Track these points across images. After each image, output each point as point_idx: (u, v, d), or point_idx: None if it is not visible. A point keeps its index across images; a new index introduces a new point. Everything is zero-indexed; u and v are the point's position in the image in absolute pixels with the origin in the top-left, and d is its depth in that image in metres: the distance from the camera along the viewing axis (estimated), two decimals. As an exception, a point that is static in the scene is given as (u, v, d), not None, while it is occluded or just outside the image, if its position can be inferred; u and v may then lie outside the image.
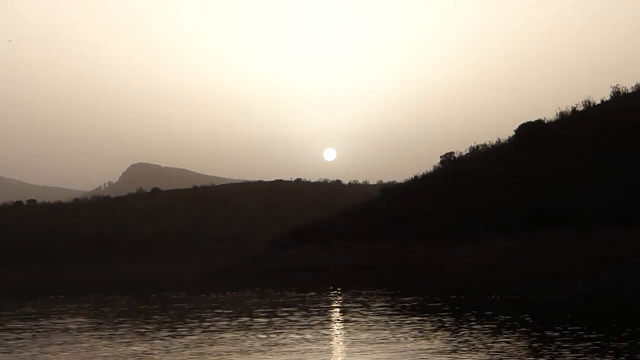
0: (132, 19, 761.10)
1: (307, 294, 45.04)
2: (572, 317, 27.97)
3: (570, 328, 24.13)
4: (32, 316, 38.15)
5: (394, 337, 23.65)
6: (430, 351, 20.55)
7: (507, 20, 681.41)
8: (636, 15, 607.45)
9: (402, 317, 29.43)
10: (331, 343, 23.75)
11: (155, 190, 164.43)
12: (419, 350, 20.88)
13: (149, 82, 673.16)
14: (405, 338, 23.26)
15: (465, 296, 39.63)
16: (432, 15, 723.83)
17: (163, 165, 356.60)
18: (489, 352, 19.91)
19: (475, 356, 19.45)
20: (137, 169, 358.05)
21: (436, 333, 24.41)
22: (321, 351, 21.70)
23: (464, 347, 21.15)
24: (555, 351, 19.55)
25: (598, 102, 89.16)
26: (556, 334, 22.93)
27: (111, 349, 23.84)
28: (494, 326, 25.40)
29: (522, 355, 19.34)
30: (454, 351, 20.47)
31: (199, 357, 21.13)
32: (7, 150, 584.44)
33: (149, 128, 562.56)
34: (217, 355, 21.37)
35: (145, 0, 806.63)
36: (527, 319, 27.69)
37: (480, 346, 20.99)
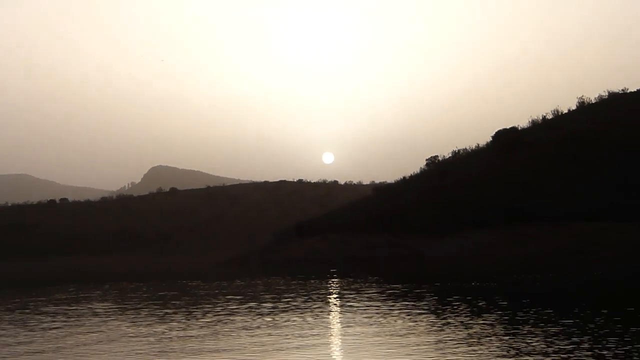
0: (154, 35, 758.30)
1: (308, 282, 45.02)
2: (543, 301, 27.98)
3: (541, 311, 24.16)
4: (65, 301, 38.18)
5: (385, 319, 23.70)
6: (417, 331, 20.60)
7: (483, 38, 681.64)
8: (598, 34, 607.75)
9: (392, 302, 29.46)
10: (329, 325, 23.78)
11: (173, 190, 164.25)
12: (407, 329, 20.93)
13: (168, 93, 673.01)
14: (395, 320, 23.31)
15: (448, 283, 39.61)
16: (418, 33, 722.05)
17: (180, 168, 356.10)
18: (469, 332, 19.96)
19: (457, 335, 19.48)
20: (157, 171, 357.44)
21: (422, 315, 24.46)
22: (320, 332, 21.75)
23: (447, 327, 21.20)
24: (527, 331, 19.58)
25: (565, 111, 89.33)
26: (529, 316, 22.97)
27: (134, 330, 23.89)
28: (474, 309, 25.44)
29: (498, 335, 19.37)
30: (439, 330, 20.52)
31: (212, 337, 21.15)
32: (43, 154, 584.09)
33: (168, 134, 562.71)
34: (229, 335, 21.40)
35: (168, 12, 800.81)
36: (503, 303, 27.70)
37: (462, 326, 21.04)
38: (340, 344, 19.82)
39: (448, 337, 19.44)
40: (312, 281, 45.54)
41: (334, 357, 17.84)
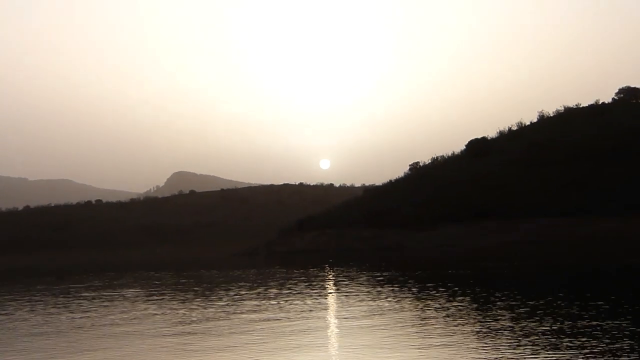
0: (176, 66, 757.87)
1: (308, 270, 44.99)
2: (510, 286, 27.96)
3: (507, 294, 24.11)
4: (100, 287, 38.20)
5: (374, 302, 23.63)
6: (402, 311, 20.55)
7: (458, 62, 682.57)
8: (556, 56, 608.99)
9: (379, 287, 29.45)
10: (327, 307, 23.73)
11: (192, 192, 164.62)
12: (394, 310, 20.88)
13: (187, 111, 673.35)
14: (383, 302, 23.25)
15: (427, 270, 39.59)
16: (404, 55, 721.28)
17: (198, 173, 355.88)
18: (446, 312, 19.92)
19: (436, 315, 19.43)
20: (178, 176, 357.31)
21: (406, 298, 24.41)
22: (319, 314, 21.71)
23: (427, 308, 21.15)
24: (496, 311, 19.54)
25: (527, 123, 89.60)
26: (497, 299, 22.92)
27: (159, 312, 23.85)
28: (450, 292, 25.40)
29: (471, 314, 19.33)
30: (421, 311, 20.48)
31: (226, 318, 21.09)
32: (81, 162, 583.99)
33: (188, 145, 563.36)
34: (240, 317, 21.34)
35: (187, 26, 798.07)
36: (476, 287, 27.67)
37: (439, 307, 21.00)
38: (336, 322, 19.78)
39: (429, 316, 19.40)
40: (312, 269, 45.51)
41: (330, 334, 17.79)
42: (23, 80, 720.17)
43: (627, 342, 13.98)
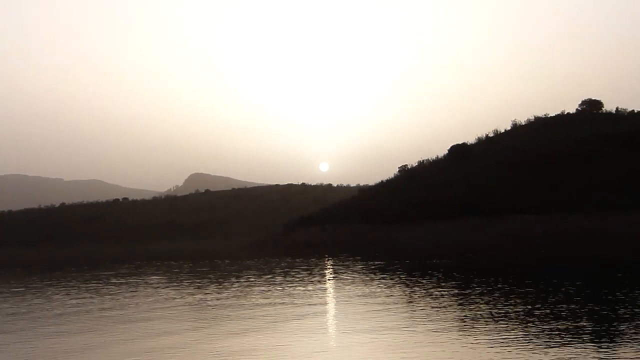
0: (189, 83, 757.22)
1: (309, 260, 45.05)
2: (486, 274, 28.03)
3: (485, 281, 24.19)
4: (126, 275, 38.20)
5: (367, 288, 23.68)
6: (392, 296, 20.61)
7: (441, 71, 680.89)
8: (528, 70, 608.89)
9: (372, 275, 29.48)
10: (325, 292, 23.79)
11: (207, 191, 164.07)
12: (385, 295, 20.94)
13: (204, 116, 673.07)
14: (375, 289, 23.31)
15: (414, 261, 39.65)
16: (391, 66, 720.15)
17: (212, 174, 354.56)
18: (431, 297, 19.97)
19: (423, 298, 19.50)
20: (195, 177, 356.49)
21: (395, 285, 24.47)
22: (318, 298, 21.78)
23: (414, 293, 21.21)
24: (476, 296, 19.61)
25: (502, 130, 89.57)
26: (476, 285, 23.00)
27: (179, 296, 23.90)
28: (434, 280, 25.48)
29: (454, 298, 19.40)
30: (409, 295, 20.54)
31: (238, 302, 21.14)
32: (110, 164, 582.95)
33: (204, 149, 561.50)
34: (250, 301, 21.40)
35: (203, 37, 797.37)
36: (457, 275, 27.76)
37: (426, 293, 21.05)
38: (333, 306, 19.85)
39: (416, 299, 19.47)
40: (312, 259, 45.56)
41: (328, 316, 17.86)
42: (60, 92, 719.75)
43: (587, 322, 14.08)
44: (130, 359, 12.39)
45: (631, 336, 12.36)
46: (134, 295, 25.00)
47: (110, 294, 25.87)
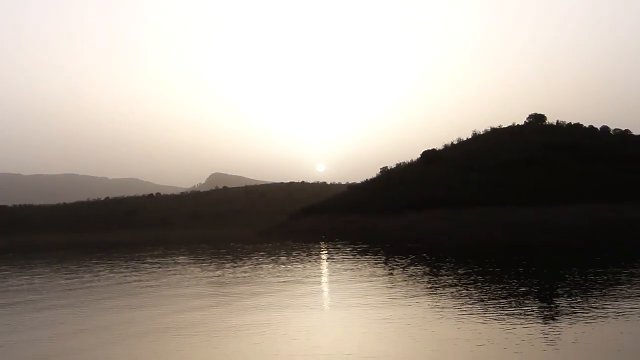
0: (209, 96, 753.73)
1: (308, 244, 45.06)
2: (452, 254, 28.13)
3: (454, 262, 24.30)
4: (159, 256, 38.15)
5: (355, 266, 23.76)
6: (375, 272, 20.68)
7: (415, 83, 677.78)
8: (486, 86, 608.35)
9: (359, 256, 29.52)
10: (321, 269, 23.85)
11: (225, 188, 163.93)
12: (370, 272, 21.00)
13: (222, 125, 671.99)
14: (362, 266, 23.39)
15: (394, 244, 39.71)
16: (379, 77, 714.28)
17: (229, 174, 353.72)
18: (404, 272, 20.06)
19: (401, 274, 19.57)
20: (215, 176, 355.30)
21: (378, 264, 24.53)
22: (316, 274, 21.83)
23: (393, 270, 21.28)
24: (442, 273, 19.69)
25: (464, 139, 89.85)
26: (446, 265, 23.10)
27: (202, 274, 23.90)
28: (409, 260, 25.53)
29: (424, 274, 19.48)
30: (389, 272, 20.61)
31: (250, 278, 21.18)
32: (145, 164, 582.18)
33: (222, 153, 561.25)
34: (260, 275, 21.46)
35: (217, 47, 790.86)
36: (428, 257, 27.83)
37: (402, 270, 21.14)
38: (327, 280, 19.92)
39: (394, 275, 19.55)
40: (311, 243, 45.56)
41: (324, 287, 17.93)
42: (108, 108, 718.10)
43: (529, 288, 14.19)
44: (165, 320, 12.48)
45: (567, 297, 12.49)
46: (166, 272, 25.00)
47: (147, 271, 25.88)
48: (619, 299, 12.69)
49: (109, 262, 33.79)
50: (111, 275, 24.61)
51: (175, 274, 23.86)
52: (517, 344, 8.99)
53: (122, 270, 27.12)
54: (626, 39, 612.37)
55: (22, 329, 12.30)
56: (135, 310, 14.00)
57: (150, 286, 19.50)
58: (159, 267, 27.65)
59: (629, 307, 11.69)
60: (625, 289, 14.14)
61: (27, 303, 16.37)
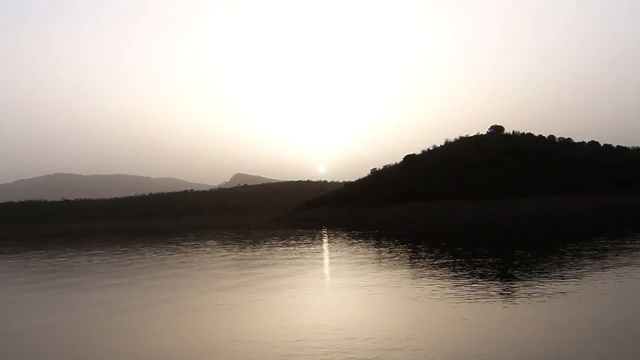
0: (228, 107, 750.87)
1: (312, 230, 45.00)
2: (428, 239, 28.10)
3: (430, 245, 24.26)
4: (191, 240, 38.08)
5: (350, 248, 23.74)
6: (366, 253, 20.68)
7: (398, 96, 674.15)
8: (455, 99, 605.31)
9: (354, 239, 29.47)
10: (322, 251, 23.86)
11: (246, 185, 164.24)
12: (362, 253, 20.99)
13: (244, 133, 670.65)
14: (356, 248, 23.36)
15: (381, 230, 39.66)
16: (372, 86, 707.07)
17: (249, 174, 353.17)
18: (393, 254, 20.03)
19: (386, 254, 19.53)
20: (238, 176, 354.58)
21: (369, 245, 24.51)
22: (318, 254, 21.83)
23: (380, 251, 21.25)
24: (421, 253, 19.67)
25: (438, 145, 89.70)
26: (422, 246, 23.07)
27: (227, 253, 23.96)
28: (393, 243, 25.50)
29: (406, 254, 19.46)
30: (377, 253, 20.59)
31: (265, 257, 21.20)
32: (180, 165, 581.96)
33: (244, 156, 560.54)
34: (274, 255, 21.45)
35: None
36: (408, 240, 27.79)
37: (388, 251, 21.12)
38: (328, 259, 19.93)
39: (383, 255, 19.54)
40: (314, 230, 45.49)
41: (325, 264, 17.94)
42: (150, 117, 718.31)
43: (494, 270, 14.19)
44: (210, 294, 12.49)
45: (522, 275, 12.52)
46: (198, 253, 25.04)
47: (183, 252, 25.93)
48: (563, 270, 12.71)
49: (152, 245, 33.84)
50: (154, 256, 24.61)
51: (206, 254, 23.87)
52: (485, 301, 9.00)
53: (163, 252, 27.14)
54: (569, 68, 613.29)
55: (77, 306, 11.92)
56: (183, 286, 13.80)
57: (186, 266, 19.52)
58: (192, 249, 27.65)
59: (570, 273, 11.71)
60: (567, 263, 14.17)
61: (85, 282, 16.42)
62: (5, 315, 10.93)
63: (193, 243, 33.16)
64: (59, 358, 7.73)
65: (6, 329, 9.65)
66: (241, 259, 20.98)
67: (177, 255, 24.26)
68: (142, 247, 31.92)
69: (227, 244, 31.81)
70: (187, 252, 25.55)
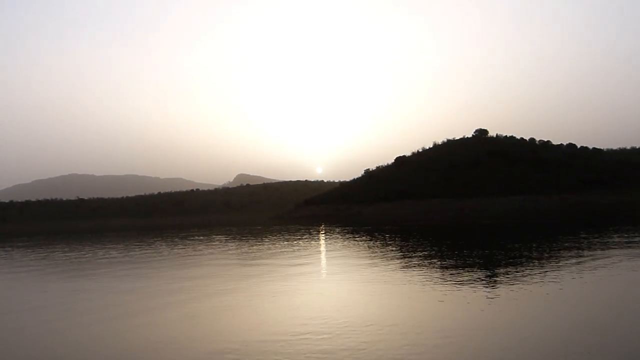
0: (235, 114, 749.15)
1: (310, 226, 45.12)
2: (418, 234, 28.28)
3: (417, 238, 24.45)
4: (199, 234, 38.13)
5: (345, 242, 23.88)
6: (359, 246, 20.86)
7: (390, 103, 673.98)
8: (442, 105, 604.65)
9: (348, 235, 29.62)
10: (320, 245, 24.01)
11: (248, 185, 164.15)
12: (356, 247, 21.17)
13: (246, 136, 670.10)
14: (350, 243, 23.51)
15: (373, 226, 39.83)
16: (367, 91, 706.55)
17: (251, 174, 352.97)
18: (384, 248, 20.22)
19: (380, 249, 19.72)
20: (241, 176, 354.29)
21: (362, 240, 24.65)
22: (316, 248, 21.99)
23: (374, 245, 21.45)
24: (411, 247, 19.87)
25: (427, 147, 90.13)
26: (414, 240, 23.26)
27: (233, 248, 24.06)
28: (385, 238, 25.68)
29: (397, 248, 19.65)
30: (371, 247, 20.76)
31: (266, 250, 21.33)
32: (188, 166, 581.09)
33: (246, 158, 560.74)
34: (275, 249, 21.58)
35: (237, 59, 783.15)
36: (398, 235, 27.96)
37: (381, 245, 21.30)
38: (325, 252, 20.09)
39: (375, 249, 19.72)
40: (313, 226, 45.62)
41: (322, 257, 18.11)
42: (161, 123, 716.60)
43: (477, 260, 14.43)
44: (215, 288, 12.65)
45: (503, 260, 12.77)
46: (206, 246, 25.15)
47: (193, 246, 26.04)
48: (542, 261, 12.99)
49: (164, 240, 33.86)
50: (167, 249, 24.69)
51: (212, 248, 23.97)
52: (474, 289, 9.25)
53: (175, 246, 27.22)
54: (554, 76, 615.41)
55: (96, 296, 12.07)
56: (189, 279, 13.86)
57: (199, 255, 19.66)
58: (200, 244, 27.73)
59: (548, 263, 11.99)
60: (546, 253, 14.46)
61: (105, 273, 16.56)
62: (78, 304, 10.71)
63: (200, 239, 33.19)
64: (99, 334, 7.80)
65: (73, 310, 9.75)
66: (244, 252, 21.03)
67: (187, 248, 24.31)
68: (155, 242, 31.98)
69: (231, 238, 31.85)
70: (197, 246, 25.60)
